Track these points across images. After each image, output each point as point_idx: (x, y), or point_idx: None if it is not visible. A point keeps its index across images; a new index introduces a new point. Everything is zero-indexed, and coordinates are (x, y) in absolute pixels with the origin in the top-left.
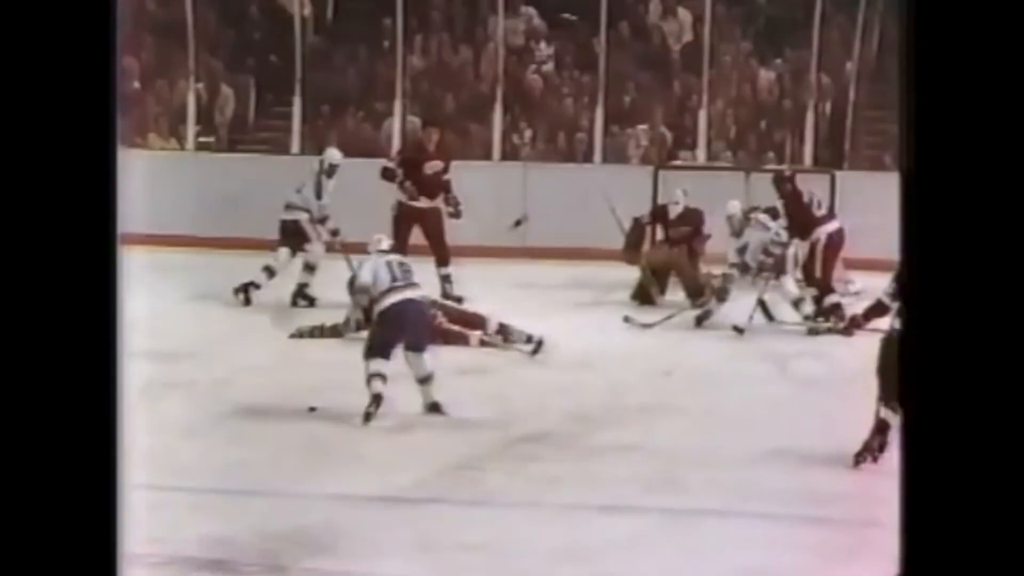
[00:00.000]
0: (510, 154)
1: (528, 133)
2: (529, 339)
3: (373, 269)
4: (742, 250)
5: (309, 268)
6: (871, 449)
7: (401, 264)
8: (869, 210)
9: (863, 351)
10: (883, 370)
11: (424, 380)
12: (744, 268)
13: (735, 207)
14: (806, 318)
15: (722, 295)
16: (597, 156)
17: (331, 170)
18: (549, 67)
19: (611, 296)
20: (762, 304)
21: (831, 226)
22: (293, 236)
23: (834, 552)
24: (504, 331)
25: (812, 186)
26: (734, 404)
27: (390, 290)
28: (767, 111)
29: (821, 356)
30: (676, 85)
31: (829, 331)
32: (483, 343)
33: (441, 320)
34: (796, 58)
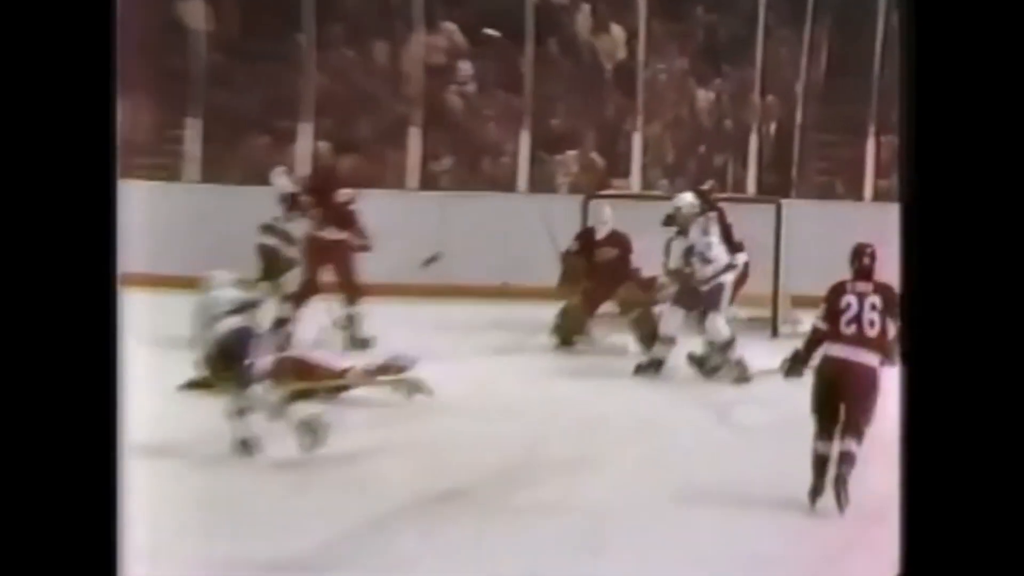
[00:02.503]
0: (427, 182)
1: (447, 159)
2: (400, 370)
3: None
4: (689, 251)
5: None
6: (841, 482)
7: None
8: (819, 243)
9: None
10: (827, 400)
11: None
12: (683, 277)
13: (685, 199)
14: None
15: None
16: (522, 184)
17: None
18: (471, 87)
19: (536, 339)
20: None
21: (743, 257)
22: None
23: None
24: (379, 371)
25: (756, 217)
26: (669, 456)
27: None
28: (707, 134)
29: (766, 402)
30: (609, 107)
31: (714, 370)
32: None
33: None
34: (738, 77)
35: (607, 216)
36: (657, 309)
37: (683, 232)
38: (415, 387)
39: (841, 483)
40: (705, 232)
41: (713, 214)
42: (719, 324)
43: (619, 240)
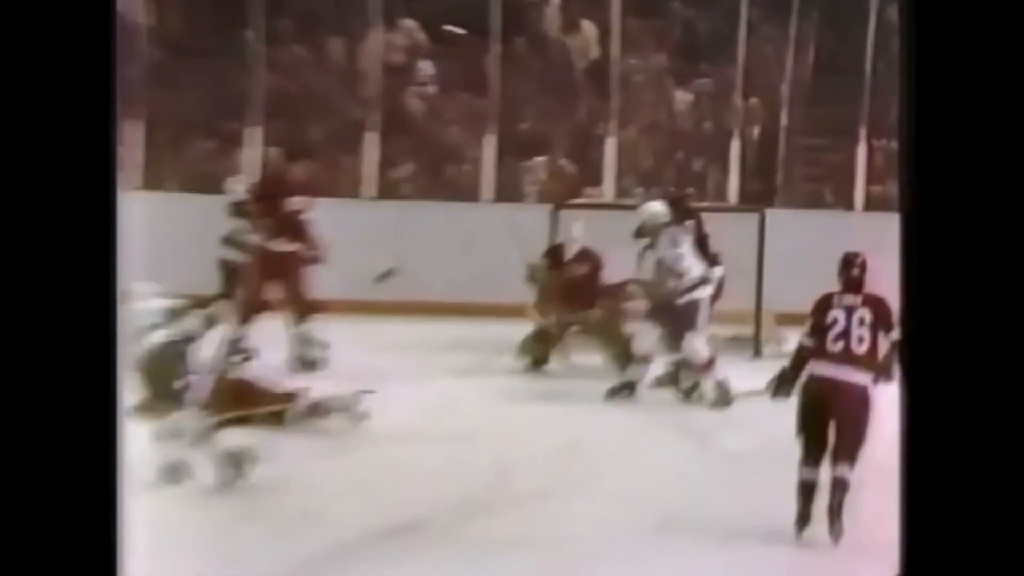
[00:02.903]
0: (385, 190)
1: (407, 166)
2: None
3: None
4: (659, 265)
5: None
6: (835, 511)
7: None
8: (806, 256)
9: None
10: (813, 423)
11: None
12: (655, 292)
13: (652, 209)
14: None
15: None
16: (488, 193)
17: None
18: (432, 88)
19: (501, 360)
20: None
21: (719, 271)
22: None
23: None
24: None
25: (738, 227)
26: (645, 485)
27: None
28: (685, 139)
29: (749, 426)
30: (580, 110)
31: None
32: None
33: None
34: (719, 77)
35: (577, 233)
36: (630, 327)
37: (654, 244)
38: (360, 418)
39: (835, 512)
40: (674, 244)
41: (690, 223)
42: (697, 344)
43: (589, 257)
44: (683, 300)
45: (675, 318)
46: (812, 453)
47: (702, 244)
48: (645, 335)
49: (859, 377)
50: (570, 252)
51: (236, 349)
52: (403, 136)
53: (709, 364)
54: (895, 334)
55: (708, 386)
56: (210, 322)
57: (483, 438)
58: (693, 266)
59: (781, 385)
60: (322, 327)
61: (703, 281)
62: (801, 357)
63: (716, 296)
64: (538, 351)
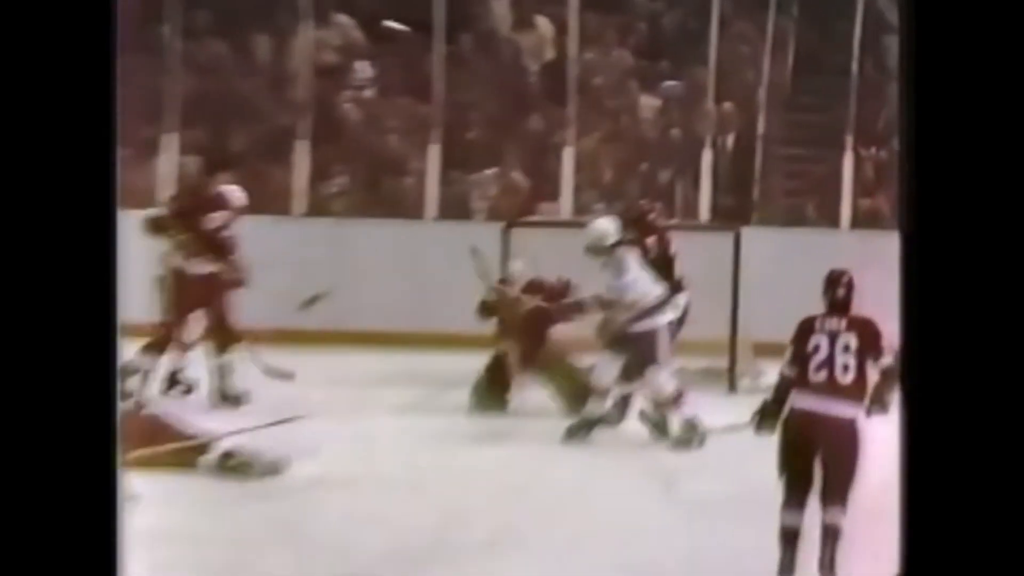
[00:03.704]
0: (317, 206)
1: (341, 179)
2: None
3: None
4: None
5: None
6: (827, 563)
7: None
8: (786, 279)
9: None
10: (795, 461)
11: None
12: (610, 318)
13: (599, 227)
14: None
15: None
16: (431, 210)
17: None
18: (369, 92)
19: (448, 395)
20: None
21: (684, 298)
22: None
23: None
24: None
25: (710, 247)
26: (606, 535)
27: None
28: (651, 149)
29: (723, 469)
30: (534, 117)
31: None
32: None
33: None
34: (688, 79)
35: (520, 267)
36: (587, 358)
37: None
38: (269, 468)
39: (828, 567)
40: (619, 272)
41: (651, 240)
42: (660, 377)
43: (540, 288)
44: (637, 328)
45: (633, 348)
46: (795, 495)
47: (667, 265)
48: (605, 366)
49: (845, 409)
50: (519, 284)
51: (174, 381)
52: (337, 145)
53: (676, 399)
54: (885, 361)
55: (675, 423)
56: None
57: (426, 483)
58: (647, 290)
59: (765, 419)
60: (246, 358)
61: (661, 305)
62: (783, 387)
63: (679, 325)
64: (494, 389)
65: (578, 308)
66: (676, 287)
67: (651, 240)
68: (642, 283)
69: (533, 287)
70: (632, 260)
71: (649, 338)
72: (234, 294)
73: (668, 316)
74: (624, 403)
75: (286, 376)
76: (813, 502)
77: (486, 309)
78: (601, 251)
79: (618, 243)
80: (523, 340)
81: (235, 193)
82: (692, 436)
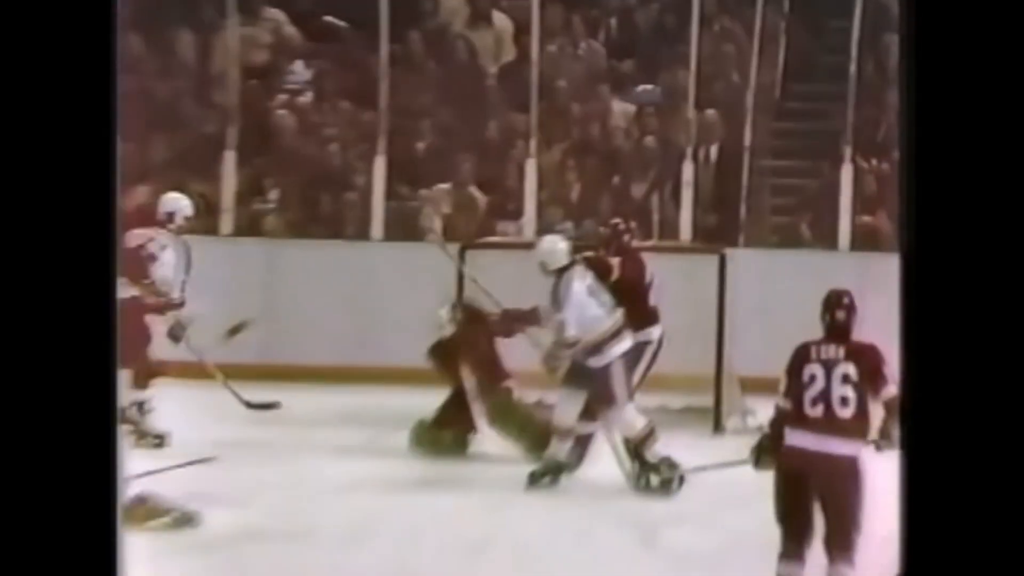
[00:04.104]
0: (247, 225)
1: (274, 194)
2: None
3: None
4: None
5: None
6: None
7: None
8: (778, 306)
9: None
10: (792, 505)
11: None
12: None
13: (548, 246)
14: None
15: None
16: (377, 229)
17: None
18: (306, 97)
19: (394, 437)
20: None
21: (657, 331)
22: None
23: None
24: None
25: (692, 271)
26: None
27: None
28: (624, 161)
29: (706, 518)
30: (492, 125)
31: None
32: None
33: None
34: (667, 83)
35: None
36: (546, 396)
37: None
38: (186, 519)
39: None
40: (564, 294)
41: (618, 262)
42: (626, 415)
43: (480, 318)
44: (592, 364)
45: (590, 384)
46: (793, 544)
47: (641, 292)
48: (565, 404)
49: (845, 447)
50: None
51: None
52: (269, 157)
53: (648, 436)
54: (889, 391)
55: (652, 463)
56: None
57: (373, 536)
58: (590, 324)
59: (763, 455)
60: (166, 394)
61: (617, 333)
62: (780, 421)
63: (653, 359)
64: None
65: (523, 319)
66: (650, 317)
67: (618, 262)
68: (593, 309)
69: (475, 317)
70: (578, 287)
71: (603, 375)
72: (154, 321)
73: (623, 346)
74: (583, 444)
75: (271, 407)
76: (816, 553)
77: (439, 351)
78: (548, 274)
79: (567, 266)
80: (479, 365)
81: (177, 203)
82: (671, 477)
